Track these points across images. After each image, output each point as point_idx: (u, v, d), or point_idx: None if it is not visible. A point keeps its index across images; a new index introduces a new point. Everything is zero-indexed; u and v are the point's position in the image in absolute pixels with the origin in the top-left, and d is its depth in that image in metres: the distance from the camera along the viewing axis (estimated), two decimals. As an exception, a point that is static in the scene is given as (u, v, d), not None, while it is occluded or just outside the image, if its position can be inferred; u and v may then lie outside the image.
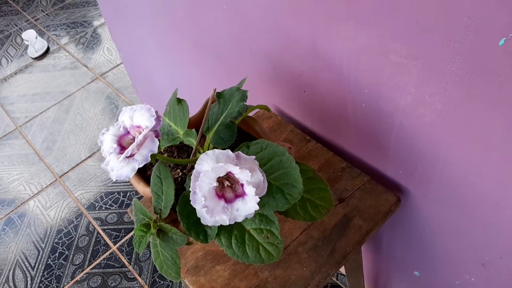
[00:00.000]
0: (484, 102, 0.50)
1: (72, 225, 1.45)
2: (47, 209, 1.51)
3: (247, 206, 0.45)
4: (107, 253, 1.36)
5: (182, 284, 1.23)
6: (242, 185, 0.45)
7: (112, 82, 1.91)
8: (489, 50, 0.45)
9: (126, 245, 1.38)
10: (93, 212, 1.47)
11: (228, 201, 0.45)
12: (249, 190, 0.44)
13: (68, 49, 2.10)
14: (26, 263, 1.37)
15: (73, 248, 1.39)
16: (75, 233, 1.43)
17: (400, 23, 0.52)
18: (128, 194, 1.52)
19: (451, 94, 0.53)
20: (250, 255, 0.49)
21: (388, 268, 0.97)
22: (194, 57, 1.03)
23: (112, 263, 1.34)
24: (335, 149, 0.82)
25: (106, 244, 1.39)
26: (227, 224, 0.45)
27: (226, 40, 0.86)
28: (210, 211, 0.44)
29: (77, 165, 1.62)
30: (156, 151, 0.47)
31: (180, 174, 0.60)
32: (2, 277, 1.35)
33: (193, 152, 0.57)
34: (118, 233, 1.41)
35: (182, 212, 0.49)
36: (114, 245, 1.38)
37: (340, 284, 1.19)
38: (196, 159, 0.46)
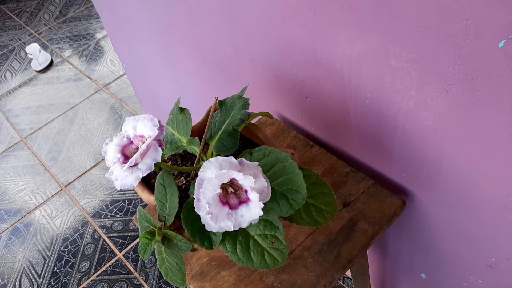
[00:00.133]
0: (487, 104, 0.50)
1: (78, 233, 1.45)
2: (53, 218, 1.51)
3: (251, 212, 0.45)
4: (113, 260, 1.37)
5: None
6: (246, 191, 0.45)
7: (116, 92, 1.92)
8: (489, 52, 0.45)
9: (131, 252, 1.38)
10: (99, 220, 1.48)
11: (232, 207, 0.45)
12: (253, 196, 0.44)
13: (72, 61, 2.12)
14: (33, 271, 1.38)
15: (79, 255, 1.39)
16: (81, 241, 1.43)
17: (399, 28, 0.52)
18: (133, 202, 1.52)
19: (453, 97, 0.53)
20: (255, 260, 0.49)
21: (395, 271, 0.96)
22: (196, 67, 1.04)
23: (118, 270, 1.34)
24: (339, 153, 0.82)
25: (112, 251, 1.39)
26: (232, 230, 0.45)
27: (227, 49, 0.87)
28: (215, 218, 0.44)
29: (82, 174, 1.63)
30: (159, 160, 0.47)
31: (184, 181, 0.60)
32: (9, 285, 1.36)
33: (196, 160, 0.57)
34: (123, 241, 1.41)
35: (187, 219, 0.49)
36: (120, 252, 1.39)
37: (347, 289, 1.19)
38: (200, 167, 0.46)
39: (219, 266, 0.69)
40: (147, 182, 0.62)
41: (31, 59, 2.15)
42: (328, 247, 0.68)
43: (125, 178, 0.47)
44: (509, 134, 0.50)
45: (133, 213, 1.49)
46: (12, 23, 2.45)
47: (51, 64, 2.13)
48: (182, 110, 0.60)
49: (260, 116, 0.90)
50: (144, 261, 1.35)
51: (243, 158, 0.47)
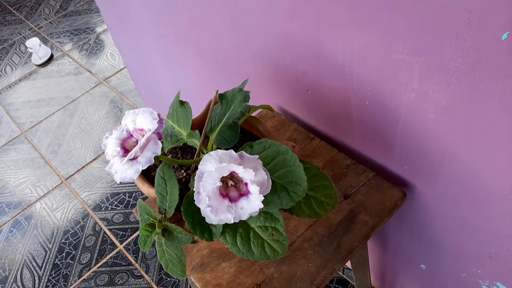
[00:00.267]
0: (489, 96, 0.49)
1: (78, 225, 1.46)
2: (53, 210, 1.52)
3: (252, 204, 0.45)
4: (114, 252, 1.37)
5: (189, 281, 1.24)
6: (246, 184, 0.45)
7: (116, 86, 1.92)
8: (492, 45, 0.45)
9: (132, 243, 1.39)
10: (99, 212, 1.48)
11: (232, 200, 0.45)
12: (253, 189, 0.44)
13: (72, 55, 2.11)
14: (34, 263, 1.39)
15: (80, 247, 1.40)
16: (81, 233, 1.44)
17: (402, 20, 0.51)
18: (133, 194, 1.52)
19: (456, 90, 0.52)
20: (256, 252, 0.49)
21: (395, 262, 0.97)
22: (196, 60, 1.04)
23: (119, 262, 1.35)
24: (340, 146, 0.82)
25: (113, 243, 1.40)
26: (232, 222, 0.45)
27: (228, 42, 0.87)
28: (215, 210, 0.44)
29: (83, 167, 1.63)
30: (159, 153, 0.47)
31: (184, 174, 0.60)
32: (10, 277, 1.36)
33: (196, 153, 0.57)
34: (124, 233, 1.42)
35: (187, 212, 0.49)
36: (121, 244, 1.39)
37: (347, 278, 1.19)
38: (200, 160, 0.46)
39: (220, 258, 0.69)
40: (147, 175, 0.62)
41: (31, 53, 2.14)
42: (328, 239, 0.69)
43: (125, 171, 0.46)
44: (511, 126, 0.50)
45: (133, 205, 1.49)
46: (12, 17, 2.44)
47: (51, 58, 2.13)
48: (182, 103, 0.59)
49: (261, 109, 0.89)
50: (144, 253, 1.36)
51: (243, 151, 0.47)
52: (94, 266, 1.35)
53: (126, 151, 0.48)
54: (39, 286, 1.33)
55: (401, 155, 0.69)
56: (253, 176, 0.43)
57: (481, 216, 0.64)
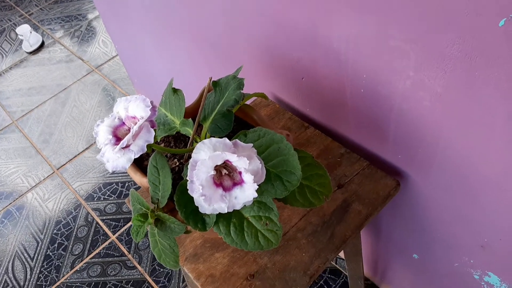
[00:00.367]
0: (485, 84, 0.49)
1: (70, 216, 1.45)
2: (45, 201, 1.50)
3: (246, 193, 0.44)
4: (107, 243, 1.37)
5: (182, 272, 1.24)
6: (240, 173, 0.44)
7: (108, 74, 1.89)
8: (489, 31, 0.44)
9: (125, 234, 1.38)
10: (92, 202, 1.47)
11: (226, 189, 0.45)
12: (247, 177, 0.43)
13: (63, 42, 2.08)
14: (25, 254, 1.38)
15: (72, 238, 1.39)
16: (74, 223, 1.43)
17: (398, 7, 0.51)
18: (126, 184, 1.51)
19: (451, 77, 0.52)
20: (249, 242, 0.49)
21: (387, 252, 0.97)
22: (189, 47, 1.02)
23: (111, 252, 1.34)
24: (334, 135, 0.81)
25: (105, 234, 1.39)
26: (226, 212, 0.44)
27: (222, 28, 0.85)
28: (208, 200, 0.44)
29: (75, 157, 1.61)
30: (152, 141, 0.46)
31: (178, 163, 0.59)
32: (1, 268, 1.35)
33: (190, 141, 0.56)
34: (117, 223, 1.41)
35: (180, 201, 0.49)
36: (113, 234, 1.38)
37: (340, 268, 1.20)
38: (193, 148, 0.45)
39: (213, 248, 0.69)
40: (140, 164, 0.61)
41: (21, 40, 2.11)
42: (322, 228, 0.68)
43: (117, 160, 0.46)
44: (507, 114, 0.50)
45: (126, 195, 1.48)
46: (2, 4, 2.39)
47: (42, 46, 2.09)
48: (175, 91, 0.58)
49: (255, 98, 0.88)
50: (137, 244, 1.35)
51: (237, 140, 0.46)
52: (87, 257, 1.34)
53: (118, 139, 0.47)
54: (31, 278, 1.32)
55: (395, 143, 0.69)
56: (247, 164, 0.43)
57: (475, 205, 0.64)
